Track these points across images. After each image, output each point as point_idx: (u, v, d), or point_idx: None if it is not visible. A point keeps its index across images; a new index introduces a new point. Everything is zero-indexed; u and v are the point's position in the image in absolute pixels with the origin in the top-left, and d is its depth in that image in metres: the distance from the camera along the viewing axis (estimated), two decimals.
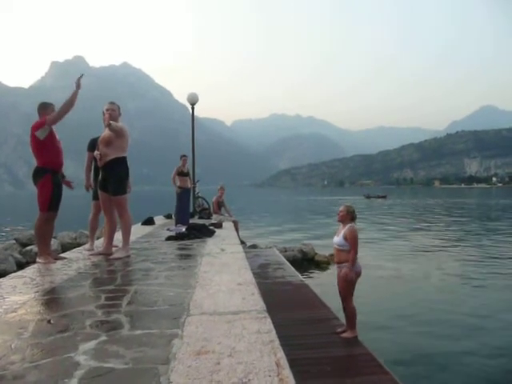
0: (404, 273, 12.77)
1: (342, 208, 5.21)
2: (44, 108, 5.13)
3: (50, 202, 5.00)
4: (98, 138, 5.79)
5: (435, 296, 10.04)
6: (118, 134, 5.25)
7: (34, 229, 5.21)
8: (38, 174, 4.98)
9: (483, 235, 22.35)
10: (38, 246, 5.18)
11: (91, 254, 5.56)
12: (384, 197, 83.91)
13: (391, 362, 5.14)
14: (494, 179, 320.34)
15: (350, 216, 5.18)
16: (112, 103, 5.47)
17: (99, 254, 5.52)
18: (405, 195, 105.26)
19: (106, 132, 5.31)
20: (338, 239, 5.15)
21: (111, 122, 5.12)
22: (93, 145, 6.00)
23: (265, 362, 1.98)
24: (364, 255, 14.42)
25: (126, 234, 5.45)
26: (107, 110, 5.34)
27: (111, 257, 5.28)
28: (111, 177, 5.28)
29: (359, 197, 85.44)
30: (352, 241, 5.02)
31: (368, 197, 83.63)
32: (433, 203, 62.44)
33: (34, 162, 4.96)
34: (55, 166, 5.06)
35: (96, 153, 5.42)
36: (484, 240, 20.23)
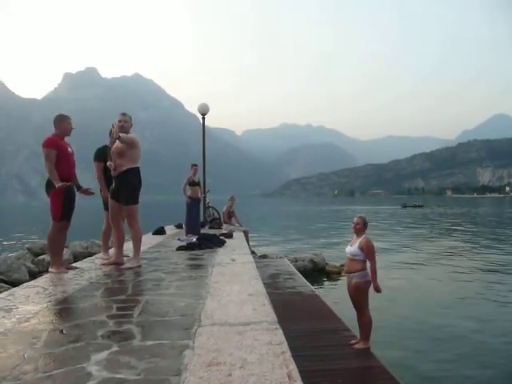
0: (429, 284, 12.64)
1: (358, 220, 5.22)
2: (59, 120, 5.20)
3: (63, 211, 5.07)
4: (105, 147, 5.91)
5: (453, 308, 9.85)
6: (131, 145, 5.31)
7: (46, 238, 5.26)
8: (50, 185, 5.06)
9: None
10: (51, 255, 5.23)
11: (103, 264, 5.61)
12: (421, 206, 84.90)
13: (404, 376, 5.06)
14: (507, 188, 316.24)
15: (365, 227, 5.22)
16: (124, 114, 5.53)
17: (111, 263, 5.56)
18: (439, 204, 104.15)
19: (118, 143, 5.35)
20: (352, 249, 5.15)
21: (120, 134, 5.16)
22: (100, 154, 6.06)
23: (276, 373, 1.97)
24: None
25: (137, 244, 5.48)
26: (119, 121, 5.41)
27: (122, 267, 5.31)
28: (124, 187, 5.33)
29: (396, 206, 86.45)
30: (370, 252, 5.03)
31: (405, 206, 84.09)
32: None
33: (47, 173, 5.03)
34: (66, 178, 5.12)
35: (109, 163, 5.47)
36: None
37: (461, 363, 6.63)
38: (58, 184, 4.92)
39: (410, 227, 34.87)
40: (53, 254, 5.18)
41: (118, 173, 5.37)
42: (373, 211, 65.71)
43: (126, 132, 5.40)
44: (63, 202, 5.05)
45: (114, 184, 5.48)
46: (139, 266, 5.32)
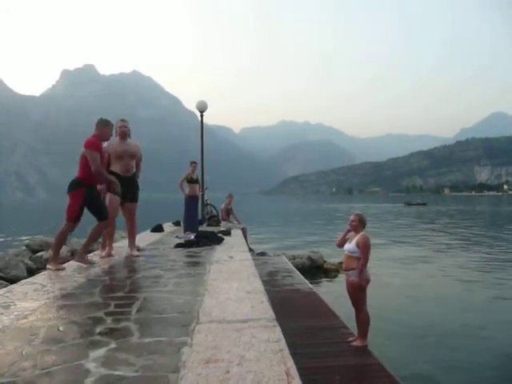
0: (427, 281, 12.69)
1: (353, 217, 5.21)
2: (104, 125, 5.30)
3: (79, 213, 5.14)
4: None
5: (452, 306, 9.88)
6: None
7: (55, 235, 5.27)
8: (73, 186, 5.14)
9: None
10: (53, 252, 5.23)
11: (102, 257, 5.87)
12: (424, 204, 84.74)
13: (401, 373, 5.08)
14: (505, 187, 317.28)
15: (362, 224, 5.20)
16: (123, 120, 5.99)
17: (107, 256, 5.89)
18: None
19: (128, 146, 5.88)
20: (349, 246, 5.15)
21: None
22: None
23: (274, 371, 1.98)
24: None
25: (135, 235, 6.28)
26: (120, 127, 5.89)
27: (135, 254, 5.99)
28: (135, 186, 6.07)
29: (399, 204, 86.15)
30: (364, 249, 5.01)
31: (408, 204, 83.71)
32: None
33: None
34: (92, 183, 5.23)
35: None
36: None
37: (459, 360, 6.66)
38: (113, 179, 5.36)
39: (418, 226, 34.91)
40: (55, 251, 5.21)
41: (130, 174, 5.98)
42: (375, 209, 65.50)
43: (128, 136, 5.97)
44: (81, 206, 5.12)
45: (122, 183, 5.69)
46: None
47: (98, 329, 2.71)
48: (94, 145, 5.11)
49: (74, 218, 5.10)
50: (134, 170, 6.08)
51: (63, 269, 4.97)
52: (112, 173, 5.75)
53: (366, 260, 5.03)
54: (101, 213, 5.30)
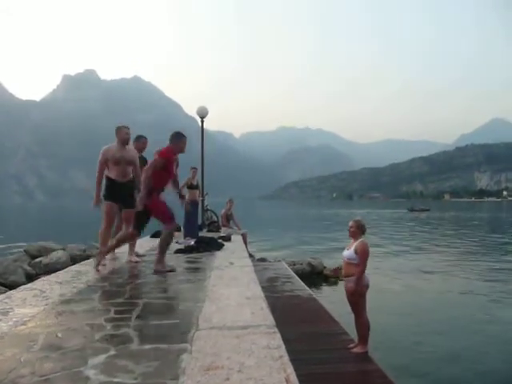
0: (428, 287, 12.65)
1: (351, 223, 5.18)
2: (177, 138, 5.42)
3: (167, 211, 5.28)
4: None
5: (453, 313, 9.85)
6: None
7: (160, 240, 5.38)
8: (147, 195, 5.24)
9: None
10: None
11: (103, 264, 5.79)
12: (427, 210, 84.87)
13: (403, 380, 5.05)
14: (504, 193, 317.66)
15: (360, 230, 5.16)
16: (126, 127, 5.98)
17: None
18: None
19: (126, 152, 5.81)
20: (348, 252, 5.12)
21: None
22: None
23: (274, 378, 1.97)
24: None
25: (135, 241, 6.31)
26: (127, 133, 5.89)
27: (135, 260, 6.04)
28: (132, 193, 5.94)
29: (401, 210, 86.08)
30: (362, 255, 4.98)
31: (412, 210, 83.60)
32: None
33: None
34: (159, 187, 5.36)
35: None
36: None
37: (460, 368, 6.63)
38: (145, 194, 5.15)
39: (421, 231, 34.89)
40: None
41: (127, 180, 5.89)
42: (377, 216, 65.03)
43: (128, 142, 5.95)
44: (165, 205, 5.30)
45: (119, 189, 5.76)
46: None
47: (98, 335, 2.69)
48: (163, 154, 5.20)
49: (169, 215, 5.26)
50: (131, 176, 5.99)
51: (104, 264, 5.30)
52: (108, 178, 5.76)
53: (364, 267, 5.00)
54: (168, 212, 5.34)
